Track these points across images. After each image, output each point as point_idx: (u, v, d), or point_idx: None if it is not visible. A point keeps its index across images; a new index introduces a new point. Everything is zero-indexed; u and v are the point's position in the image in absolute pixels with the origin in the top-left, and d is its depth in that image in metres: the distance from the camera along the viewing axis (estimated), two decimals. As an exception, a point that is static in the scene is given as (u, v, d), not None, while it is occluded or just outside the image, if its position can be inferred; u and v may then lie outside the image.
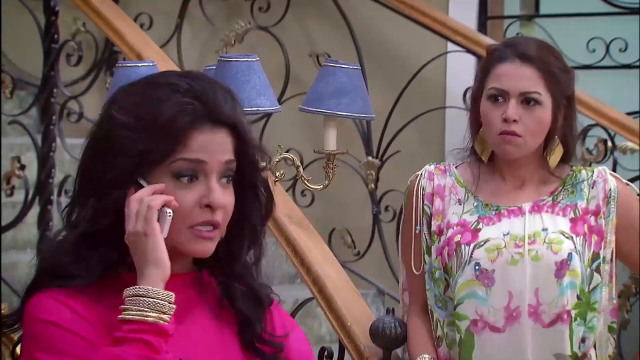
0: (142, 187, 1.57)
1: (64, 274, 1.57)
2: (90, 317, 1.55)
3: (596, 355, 2.32)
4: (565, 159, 2.37)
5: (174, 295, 1.54)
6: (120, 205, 1.57)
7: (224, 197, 1.59)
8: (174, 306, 1.54)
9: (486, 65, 2.35)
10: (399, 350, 2.44)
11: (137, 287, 1.53)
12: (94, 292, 1.56)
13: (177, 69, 3.29)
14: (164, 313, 1.52)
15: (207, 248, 1.59)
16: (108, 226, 1.57)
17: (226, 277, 1.66)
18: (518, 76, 2.29)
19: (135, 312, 1.52)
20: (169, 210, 1.56)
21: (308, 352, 1.74)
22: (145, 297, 1.52)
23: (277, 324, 1.71)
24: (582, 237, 2.29)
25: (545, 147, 2.34)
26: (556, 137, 2.32)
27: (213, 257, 1.63)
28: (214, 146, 1.58)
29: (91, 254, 1.57)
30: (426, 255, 2.35)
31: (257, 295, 1.67)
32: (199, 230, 1.58)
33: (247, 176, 1.63)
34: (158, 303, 1.52)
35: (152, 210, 1.54)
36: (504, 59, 2.31)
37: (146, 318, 1.51)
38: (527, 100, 2.29)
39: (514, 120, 2.27)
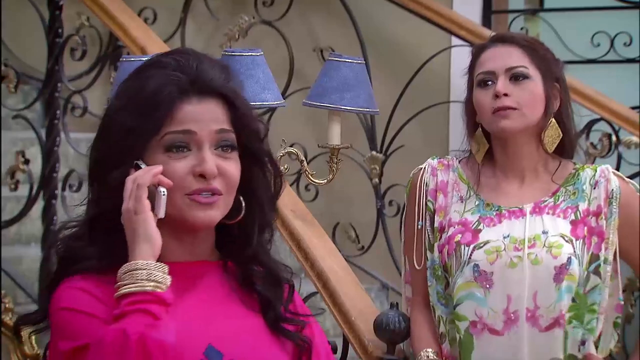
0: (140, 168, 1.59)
1: (78, 258, 1.59)
2: (107, 300, 1.55)
3: (597, 351, 2.32)
4: (566, 153, 2.36)
5: (167, 267, 1.55)
6: (121, 187, 1.58)
7: (225, 165, 1.59)
8: (169, 277, 1.55)
9: (472, 61, 2.36)
10: (402, 345, 2.44)
11: (128, 263, 1.54)
12: (112, 275, 1.56)
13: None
14: (160, 282, 1.53)
15: (209, 215, 1.59)
16: (112, 209, 1.58)
17: (242, 259, 1.66)
18: (502, 55, 2.30)
19: (131, 285, 1.52)
20: (162, 189, 1.57)
21: (326, 342, 1.75)
22: (138, 269, 1.53)
23: (298, 302, 1.72)
24: (581, 240, 2.28)
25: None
26: (552, 119, 2.31)
27: (231, 241, 1.64)
28: (202, 116, 1.59)
29: (100, 238, 1.59)
30: (428, 252, 2.35)
31: (274, 275, 1.68)
32: (196, 197, 1.59)
33: (248, 147, 1.63)
34: (152, 273, 1.53)
35: (141, 187, 1.56)
36: (486, 47, 2.34)
37: (144, 288, 1.52)
38: (516, 76, 2.29)
39: (505, 95, 2.27)
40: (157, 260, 1.56)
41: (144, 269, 1.53)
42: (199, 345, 1.56)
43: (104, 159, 1.60)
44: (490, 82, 2.30)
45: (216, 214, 1.60)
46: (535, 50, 2.31)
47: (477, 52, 2.36)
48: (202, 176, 1.58)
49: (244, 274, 1.67)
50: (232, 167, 1.61)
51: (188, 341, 1.54)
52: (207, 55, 1.64)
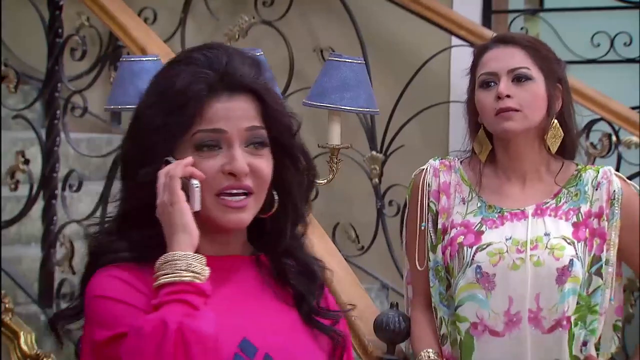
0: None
1: (109, 251, 1.59)
2: (145, 289, 1.55)
3: (598, 354, 2.32)
4: (568, 154, 2.36)
5: (205, 258, 1.54)
6: (153, 182, 1.58)
7: (256, 163, 1.59)
8: (208, 268, 1.54)
9: (474, 61, 2.36)
10: (402, 345, 2.44)
11: (167, 254, 1.54)
12: (148, 268, 1.56)
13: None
14: (198, 273, 1.53)
15: (239, 218, 1.59)
16: (144, 205, 1.58)
17: (276, 253, 1.66)
18: (504, 56, 2.30)
19: (170, 275, 1.52)
20: (195, 182, 1.57)
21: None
22: (177, 260, 1.53)
23: (330, 299, 1.72)
24: (583, 242, 2.28)
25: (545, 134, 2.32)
26: (555, 120, 2.31)
27: (264, 235, 1.64)
28: (232, 113, 1.58)
29: (130, 233, 1.59)
30: (431, 253, 2.34)
31: (308, 269, 1.68)
32: (226, 200, 1.58)
33: (280, 143, 1.63)
34: (190, 264, 1.53)
35: (174, 179, 1.55)
36: (489, 47, 2.34)
37: (182, 278, 1.51)
38: (518, 77, 2.29)
39: (508, 96, 2.27)
40: None
41: (182, 260, 1.52)
42: (233, 338, 1.56)
43: (135, 156, 1.60)
44: (492, 83, 2.30)
45: (247, 216, 1.60)
46: (538, 50, 2.31)
47: (479, 52, 2.35)
48: (232, 174, 1.58)
49: (277, 268, 1.66)
50: (264, 164, 1.60)
51: (222, 335, 1.53)
52: (238, 50, 1.63)
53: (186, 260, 1.53)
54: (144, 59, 2.64)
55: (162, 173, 1.57)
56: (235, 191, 1.58)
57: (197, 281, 1.52)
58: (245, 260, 1.65)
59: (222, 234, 1.62)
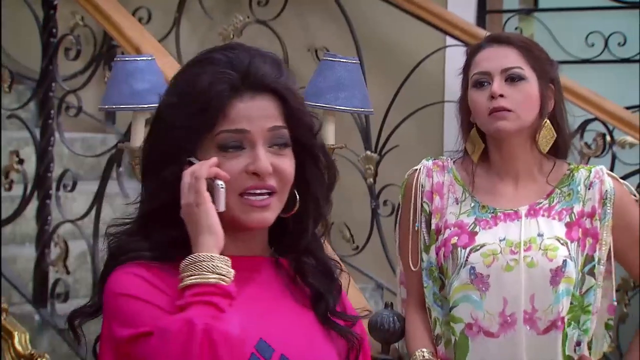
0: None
1: (129, 250, 1.58)
2: (166, 289, 1.55)
3: (590, 354, 2.32)
4: (561, 154, 2.36)
5: (230, 260, 1.55)
6: (176, 183, 1.58)
7: (279, 163, 1.59)
8: (233, 270, 1.54)
9: (467, 61, 2.36)
10: (397, 344, 2.44)
11: (193, 255, 1.54)
12: (170, 269, 1.56)
13: (176, 63, 3.29)
14: (224, 275, 1.53)
15: (263, 217, 1.59)
16: (166, 204, 1.58)
17: (295, 252, 1.66)
18: (498, 56, 2.30)
19: (196, 277, 1.52)
20: (220, 182, 1.57)
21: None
22: (203, 261, 1.53)
23: (347, 303, 1.72)
24: (576, 242, 2.28)
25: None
26: (546, 120, 2.31)
27: (284, 234, 1.64)
28: (255, 113, 1.58)
29: (153, 232, 1.59)
30: (424, 253, 2.34)
31: (327, 269, 1.68)
32: (250, 199, 1.58)
33: (301, 142, 1.63)
34: (217, 266, 1.53)
35: (199, 180, 1.55)
36: (482, 47, 2.34)
37: (208, 280, 1.51)
38: (512, 77, 2.29)
39: (501, 95, 2.27)
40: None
41: (208, 261, 1.53)
42: (250, 339, 1.56)
43: (157, 156, 1.60)
44: (485, 83, 2.30)
45: (271, 215, 1.60)
46: (531, 51, 2.32)
47: (473, 52, 2.36)
48: (256, 174, 1.58)
49: (296, 266, 1.66)
50: (287, 164, 1.60)
51: (241, 334, 1.53)
52: (259, 50, 1.63)
53: (212, 262, 1.53)
54: (139, 58, 2.65)
55: (187, 173, 1.57)
56: (259, 191, 1.59)
57: (223, 283, 1.52)
58: (265, 262, 1.66)
59: (245, 233, 1.62)
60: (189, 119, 1.57)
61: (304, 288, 1.67)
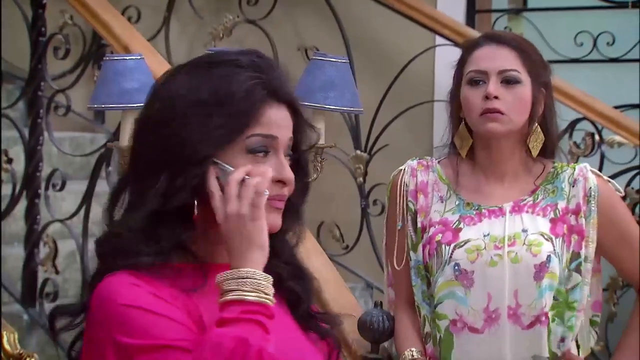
0: (219, 167, 1.56)
1: (131, 252, 1.55)
2: (167, 297, 1.54)
3: (578, 350, 2.33)
4: (548, 154, 2.37)
5: (272, 278, 1.54)
6: (198, 184, 1.56)
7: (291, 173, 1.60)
8: (273, 289, 1.54)
9: (463, 56, 2.35)
10: (386, 343, 2.44)
11: (244, 269, 1.53)
12: (164, 275, 1.55)
13: (166, 62, 3.28)
14: (269, 295, 1.53)
15: (276, 221, 1.60)
16: (180, 205, 1.56)
17: (277, 257, 1.65)
18: (496, 56, 2.30)
19: (251, 294, 1.51)
20: (266, 191, 1.57)
21: None
22: (254, 279, 1.52)
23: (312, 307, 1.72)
24: (561, 238, 2.28)
25: (527, 136, 2.33)
26: (537, 123, 2.32)
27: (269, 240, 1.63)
28: (282, 121, 1.60)
29: (161, 232, 1.56)
30: (412, 252, 2.35)
31: (302, 272, 1.69)
32: (273, 201, 1.58)
33: (299, 154, 1.65)
34: (266, 286, 1.53)
35: (261, 196, 1.54)
36: (480, 44, 2.33)
37: (265, 300, 1.52)
38: (507, 79, 2.29)
39: (496, 97, 2.27)
40: (202, 262, 1.57)
41: (258, 280, 1.52)
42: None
43: (176, 154, 1.56)
44: (481, 82, 2.30)
45: (279, 219, 1.61)
46: (528, 54, 2.31)
47: (469, 48, 2.35)
48: (279, 181, 1.58)
49: (272, 271, 1.64)
50: (293, 174, 1.62)
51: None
52: (272, 59, 1.64)
53: (260, 280, 1.53)
54: (128, 57, 2.64)
55: (236, 180, 1.55)
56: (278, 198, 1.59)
57: (269, 303, 1.53)
58: None
59: None
60: (221, 120, 1.55)
61: (280, 291, 1.65)
